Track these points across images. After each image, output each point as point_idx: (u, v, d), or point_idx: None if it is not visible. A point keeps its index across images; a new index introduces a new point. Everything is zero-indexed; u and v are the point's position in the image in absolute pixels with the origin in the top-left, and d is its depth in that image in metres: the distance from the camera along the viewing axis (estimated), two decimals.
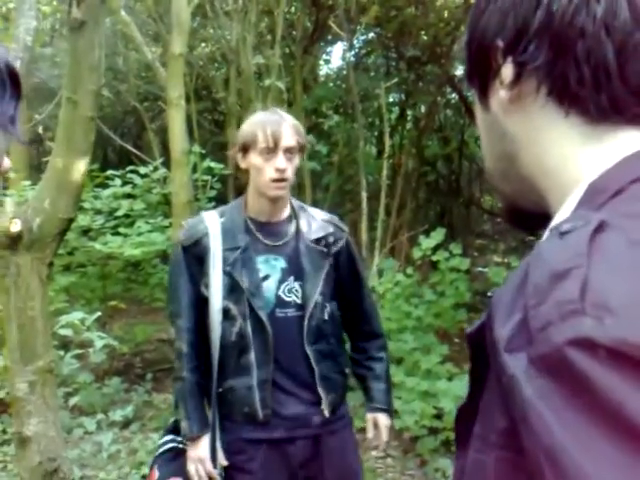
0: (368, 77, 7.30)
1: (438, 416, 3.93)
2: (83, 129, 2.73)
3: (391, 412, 2.26)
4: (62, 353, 3.70)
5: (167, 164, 4.95)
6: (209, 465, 2.00)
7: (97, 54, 2.71)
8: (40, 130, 8.93)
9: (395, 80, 6.72)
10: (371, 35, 7.66)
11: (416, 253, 4.60)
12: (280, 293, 2.02)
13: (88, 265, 5.70)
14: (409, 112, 7.98)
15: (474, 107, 0.71)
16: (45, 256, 2.72)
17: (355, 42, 7.23)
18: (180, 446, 2.11)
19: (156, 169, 5.44)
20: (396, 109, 7.89)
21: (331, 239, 2.11)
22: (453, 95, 8.17)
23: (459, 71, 7.57)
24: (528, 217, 0.69)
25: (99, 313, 3.25)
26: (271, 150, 1.94)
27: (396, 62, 7.68)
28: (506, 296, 0.48)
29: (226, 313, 2.00)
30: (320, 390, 2.05)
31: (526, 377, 0.42)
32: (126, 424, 4.40)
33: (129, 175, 5.42)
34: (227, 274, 1.99)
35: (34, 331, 2.70)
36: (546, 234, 0.55)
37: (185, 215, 4.40)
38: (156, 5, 6.08)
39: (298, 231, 2.08)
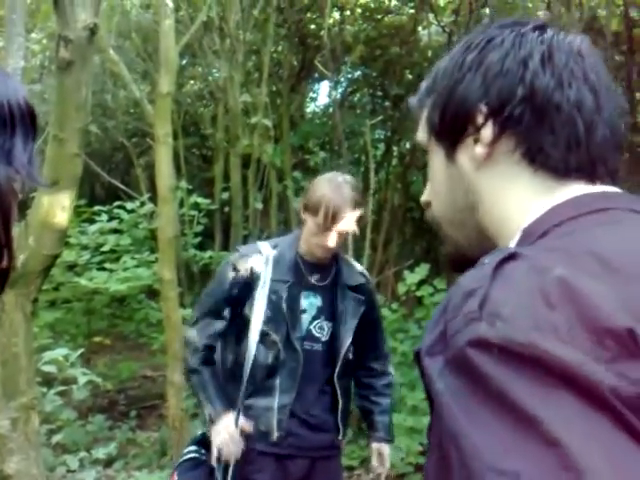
0: (354, 114, 7.40)
1: (424, 453, 3.91)
2: (69, 166, 2.76)
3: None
4: (45, 390, 3.68)
5: (154, 199, 4.98)
6: (233, 428, 2.13)
7: (84, 93, 2.75)
8: None
9: (380, 117, 6.82)
10: (357, 74, 7.78)
11: (400, 288, 4.63)
12: (311, 328, 2.24)
13: (73, 301, 5.68)
14: (394, 148, 8.07)
15: (429, 161, 0.80)
16: (29, 292, 2.73)
17: (341, 80, 7.34)
18: (203, 458, 2.24)
19: (143, 204, 5.47)
20: (381, 146, 7.97)
21: (364, 289, 2.33)
22: None
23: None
24: (472, 264, 0.76)
25: (82, 350, 3.24)
26: (327, 228, 2.11)
27: (381, 100, 7.79)
28: (435, 314, 0.56)
29: (264, 337, 2.17)
30: (339, 420, 2.29)
31: (439, 376, 0.51)
32: (109, 462, 4.35)
33: (116, 210, 5.44)
34: (271, 302, 2.17)
35: (17, 367, 2.69)
36: None
37: (171, 250, 4.42)
38: (144, 44, 6.18)
39: (337, 275, 2.28)
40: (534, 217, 0.66)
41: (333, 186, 2.15)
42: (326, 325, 2.25)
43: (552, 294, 0.49)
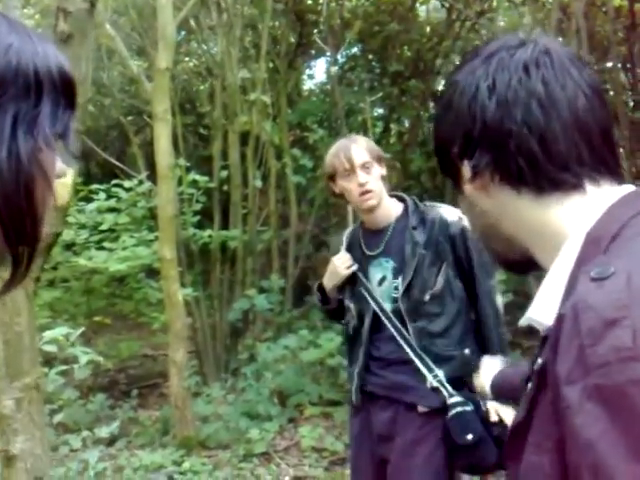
0: (352, 91, 7.33)
1: None
2: None
3: None
4: (46, 370, 3.65)
5: (152, 178, 4.93)
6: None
7: (84, 67, 2.70)
8: None
9: (379, 94, 6.76)
10: (355, 50, 7.69)
11: None
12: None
13: (72, 280, 5.64)
14: (393, 126, 8.02)
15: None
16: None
17: (339, 57, 7.26)
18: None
19: (141, 183, 5.42)
20: (380, 123, 7.92)
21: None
22: None
23: (441, 86, 7.62)
24: (518, 264, 0.83)
25: (83, 328, 3.21)
26: (349, 171, 2.19)
27: (380, 77, 7.72)
28: (563, 335, 0.56)
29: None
30: None
31: (578, 405, 0.52)
32: (112, 441, 4.34)
33: (114, 189, 5.39)
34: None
35: (21, 347, 2.66)
36: (565, 273, 0.66)
37: (171, 229, 4.38)
38: (140, 19, 6.08)
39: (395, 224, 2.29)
40: (577, 223, 0.68)
41: (334, 145, 2.30)
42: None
43: None
